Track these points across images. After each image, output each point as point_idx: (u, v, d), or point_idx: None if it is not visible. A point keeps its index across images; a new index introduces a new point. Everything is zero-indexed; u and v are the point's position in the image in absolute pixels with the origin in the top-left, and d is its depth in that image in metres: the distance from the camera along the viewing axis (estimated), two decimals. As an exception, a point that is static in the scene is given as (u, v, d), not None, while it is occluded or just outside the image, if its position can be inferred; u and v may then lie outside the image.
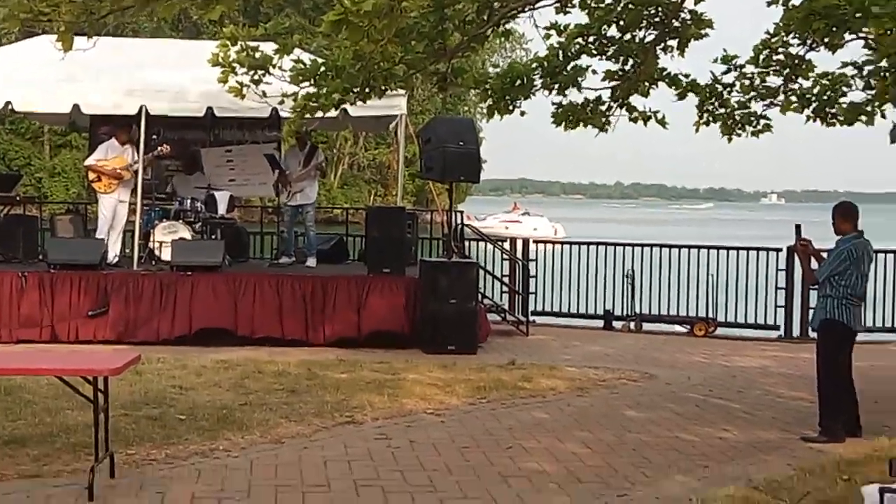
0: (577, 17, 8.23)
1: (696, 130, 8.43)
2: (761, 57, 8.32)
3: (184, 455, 6.85)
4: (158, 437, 7.19)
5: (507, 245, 15.23)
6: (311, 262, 13.32)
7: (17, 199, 13.88)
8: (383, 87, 8.13)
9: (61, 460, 6.56)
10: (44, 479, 6.17)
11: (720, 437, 7.80)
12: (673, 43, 7.96)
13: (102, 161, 12.81)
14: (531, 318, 14.26)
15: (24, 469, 6.35)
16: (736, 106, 8.39)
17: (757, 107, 8.38)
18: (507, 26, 8.27)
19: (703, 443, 7.59)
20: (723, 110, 8.38)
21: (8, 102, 12.44)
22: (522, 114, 8.36)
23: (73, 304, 11.61)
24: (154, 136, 12.98)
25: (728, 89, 8.50)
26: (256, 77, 8.06)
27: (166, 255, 12.39)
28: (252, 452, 6.98)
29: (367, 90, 8.06)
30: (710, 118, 8.38)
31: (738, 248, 14.69)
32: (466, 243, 14.96)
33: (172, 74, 13.02)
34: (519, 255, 14.91)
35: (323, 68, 8.02)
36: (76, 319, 11.60)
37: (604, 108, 8.24)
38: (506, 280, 14.73)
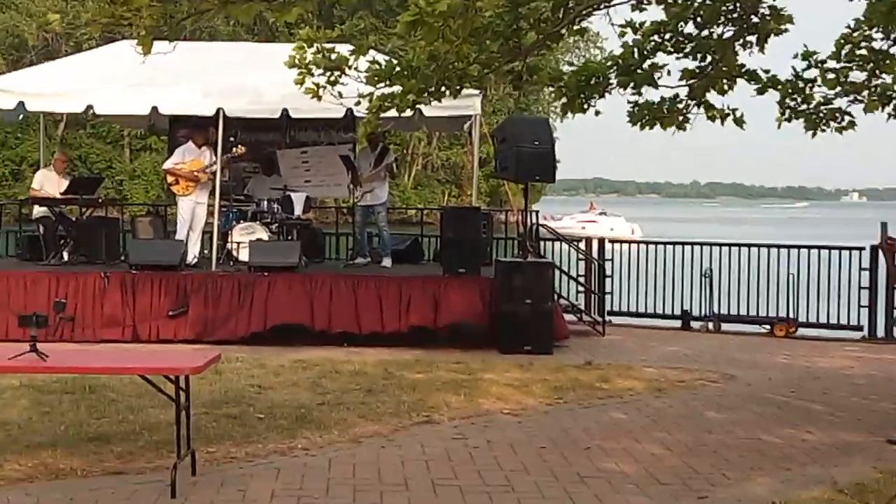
0: (654, 13, 8.14)
1: (779, 126, 8.26)
2: (843, 52, 8.13)
3: (263, 453, 6.93)
4: (238, 436, 7.27)
5: (582, 245, 15.14)
6: (387, 262, 13.38)
7: (100, 201, 14.19)
8: (458, 87, 8.11)
9: (144, 457, 6.67)
10: (127, 476, 6.28)
11: (803, 438, 7.64)
12: (752, 39, 7.81)
13: (180, 164, 13.05)
14: (607, 318, 14.15)
15: (109, 465, 6.48)
16: (820, 101, 8.20)
17: (841, 102, 8.19)
18: (583, 24, 8.18)
19: (785, 444, 7.44)
20: (806, 106, 8.20)
21: (90, 106, 12.72)
22: (597, 113, 8.29)
23: (153, 305, 11.84)
24: (231, 138, 13.16)
25: (810, 85, 8.32)
26: (333, 78, 8.10)
27: (244, 255, 12.56)
28: (330, 451, 7.02)
29: (441, 90, 8.06)
30: (793, 114, 8.22)
31: (819, 247, 14.38)
32: (542, 243, 14.91)
33: (249, 77, 13.21)
34: (595, 254, 14.81)
35: (398, 69, 8.04)
36: (156, 319, 11.82)
37: (681, 106, 8.12)
38: (581, 280, 14.64)
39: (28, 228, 14.81)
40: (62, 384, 8.68)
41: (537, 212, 15.52)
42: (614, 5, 7.56)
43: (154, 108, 12.77)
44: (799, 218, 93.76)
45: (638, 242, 17.16)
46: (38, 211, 13.36)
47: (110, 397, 8.34)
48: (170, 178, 13.19)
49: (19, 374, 8.28)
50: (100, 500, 5.78)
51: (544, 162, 11.82)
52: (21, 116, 14.06)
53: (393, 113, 8.21)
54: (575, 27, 8.04)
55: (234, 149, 13.04)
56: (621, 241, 17.27)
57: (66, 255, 12.94)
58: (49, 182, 13.36)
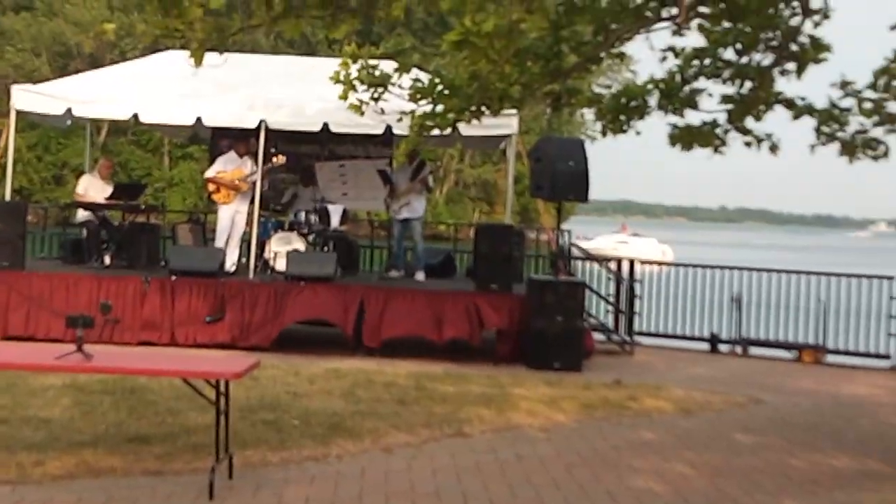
0: (694, 39, 8.26)
1: (812, 151, 8.34)
2: (881, 82, 8.21)
3: (298, 459, 7.07)
4: (274, 441, 7.42)
5: (612, 265, 15.23)
6: (420, 276, 13.53)
7: (142, 207, 14.43)
8: (498, 107, 8.25)
9: (182, 459, 6.83)
10: (166, 477, 6.43)
11: (830, 464, 7.69)
12: (791, 66, 7.91)
13: (222, 173, 13.27)
14: (636, 338, 14.23)
15: (148, 466, 6.63)
16: (857, 129, 8.27)
17: (877, 132, 8.26)
18: (622, 48, 8.30)
19: (812, 469, 7.51)
20: (842, 133, 8.27)
21: (135, 114, 12.98)
22: (638, 133, 8.42)
23: (191, 310, 12.03)
24: (272, 150, 13.36)
25: (845, 113, 8.39)
26: (376, 95, 8.28)
27: (281, 265, 12.75)
28: (363, 460, 7.15)
29: (482, 109, 8.20)
30: (828, 140, 8.29)
31: (848, 276, 14.41)
32: (572, 262, 15.02)
33: (291, 90, 13.44)
34: (625, 275, 14.89)
35: (440, 87, 8.19)
36: (194, 324, 12.02)
37: (718, 130, 8.22)
38: (611, 299, 14.72)
39: (71, 232, 15.11)
40: (103, 384, 8.88)
41: (569, 231, 15.62)
42: (655, 30, 7.66)
43: (198, 120, 13.01)
44: (825, 246, 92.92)
45: (668, 264, 17.21)
46: (81, 215, 13.61)
47: (150, 399, 8.53)
48: (211, 187, 13.39)
49: (63, 373, 8.51)
50: (139, 499, 5.93)
51: (579, 182, 11.94)
52: (68, 122, 14.35)
53: (435, 131, 8.35)
54: (614, 51, 8.16)
55: (274, 158, 13.25)
56: (652, 263, 17.32)
57: (107, 259, 13.17)
58: (93, 187, 13.61)
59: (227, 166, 13.29)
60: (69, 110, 12.90)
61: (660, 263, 17.96)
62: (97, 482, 6.25)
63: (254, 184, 12.99)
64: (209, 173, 13.58)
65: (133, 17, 48.34)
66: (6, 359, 6.89)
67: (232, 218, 13.23)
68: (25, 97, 12.96)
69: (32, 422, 7.62)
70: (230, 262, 13.11)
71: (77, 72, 24.26)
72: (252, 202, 13.00)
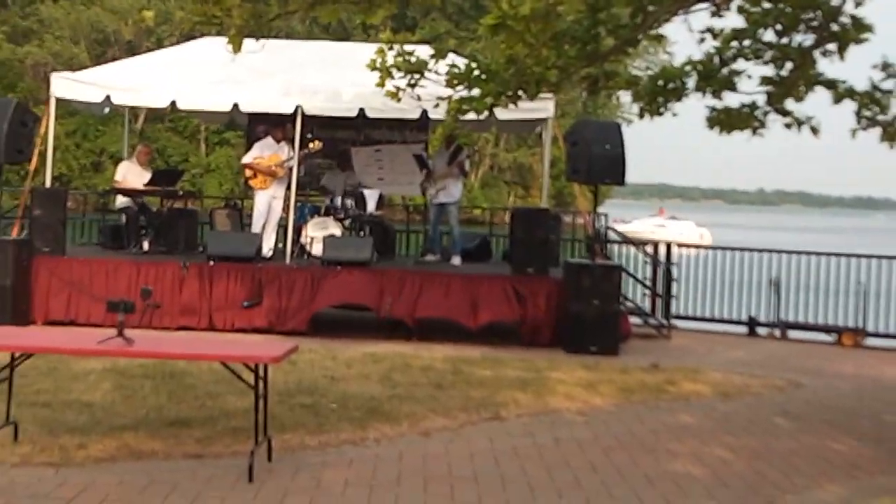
0: (734, 20, 8.16)
1: (853, 136, 8.22)
2: (922, 62, 8.09)
3: (336, 443, 7.11)
4: (312, 425, 7.47)
5: (649, 248, 15.16)
6: (456, 260, 13.53)
7: (180, 193, 14.54)
8: (535, 91, 8.20)
9: (222, 442, 6.89)
10: (206, 460, 6.50)
11: (871, 448, 7.64)
12: (832, 47, 7.80)
13: (259, 158, 13.33)
14: (673, 321, 14.16)
15: (188, 449, 6.70)
16: (897, 113, 8.16)
17: (918, 113, 8.14)
18: (660, 30, 8.23)
19: (852, 453, 7.45)
20: (883, 117, 8.16)
21: (173, 101, 13.06)
22: (674, 115, 8.35)
23: (229, 295, 12.12)
24: (308, 135, 13.40)
25: (886, 95, 8.27)
26: (413, 81, 8.26)
27: (317, 250, 12.80)
28: (401, 443, 7.18)
29: (518, 94, 8.16)
30: (869, 124, 8.18)
31: (889, 258, 14.25)
32: (609, 245, 14.96)
33: (326, 76, 13.47)
34: (662, 258, 14.81)
35: (476, 72, 8.16)
36: (232, 309, 12.11)
37: (758, 112, 8.13)
38: (648, 283, 14.66)
39: (110, 218, 15.25)
40: (143, 369, 8.98)
41: (605, 214, 15.55)
42: (693, 11, 7.58)
43: (235, 106, 13.07)
44: (865, 228, 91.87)
45: (706, 247, 17.10)
46: (120, 201, 13.74)
47: (189, 383, 8.62)
48: (248, 173, 13.46)
49: (104, 357, 8.61)
50: (179, 481, 6.00)
51: (615, 165, 11.87)
52: (107, 109, 14.47)
53: (471, 116, 8.33)
54: (652, 33, 8.08)
55: (311, 144, 13.29)
56: (690, 246, 17.23)
57: (146, 245, 13.30)
58: (132, 173, 13.73)
59: (265, 152, 13.36)
60: (108, 98, 13.01)
61: (697, 246, 17.81)
62: (139, 465, 6.32)
63: (290, 169, 13.04)
64: (246, 159, 13.65)
65: (170, 3, 48.67)
66: (48, 343, 6.99)
67: (269, 203, 13.31)
68: (65, 85, 13.08)
69: (75, 406, 7.72)
70: (267, 248, 13.20)
71: (115, 59, 24.47)
72: (289, 188, 13.05)
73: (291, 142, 13.03)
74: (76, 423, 7.20)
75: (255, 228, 13.26)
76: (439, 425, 7.75)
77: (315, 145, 13.31)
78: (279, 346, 6.83)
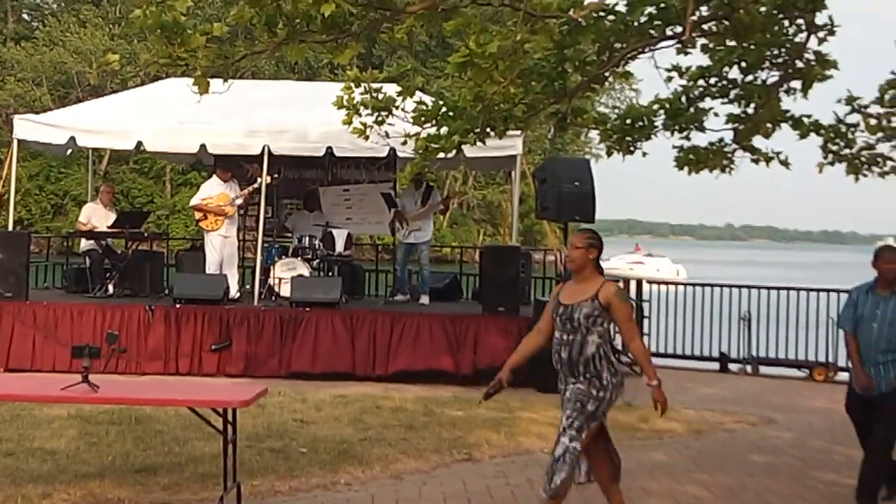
0: (698, 58, 8.20)
1: (820, 171, 8.26)
2: (886, 97, 8.16)
3: (306, 488, 7.00)
4: (282, 470, 7.35)
5: (620, 285, 15.12)
6: (425, 299, 13.45)
7: (145, 235, 14.39)
8: (503, 128, 8.19)
9: (190, 489, 6.77)
10: (174, 508, 6.38)
11: (846, 484, 7.58)
12: (796, 84, 7.86)
13: (207, 199, 13.21)
14: (644, 359, 14.08)
15: (155, 497, 6.58)
16: (862, 146, 8.22)
17: (883, 147, 8.20)
18: (626, 67, 8.25)
19: (827, 490, 7.43)
20: (848, 151, 8.22)
21: (139, 143, 12.94)
22: (644, 154, 8.36)
23: (196, 338, 11.96)
24: (276, 175, 13.33)
25: (852, 130, 8.33)
26: (380, 118, 8.23)
27: (285, 291, 12.68)
28: (373, 487, 7.09)
29: (487, 131, 8.14)
30: (836, 159, 8.23)
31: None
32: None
33: (293, 115, 13.44)
34: (633, 295, 14.79)
35: (444, 109, 8.14)
36: (200, 352, 11.94)
37: (726, 150, 8.17)
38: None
39: (74, 261, 15.05)
40: (109, 415, 8.82)
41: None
42: (659, 49, 7.60)
43: (202, 147, 12.98)
44: (831, 262, 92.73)
45: (676, 284, 17.11)
46: (84, 244, 13.58)
47: (156, 429, 8.47)
48: (198, 215, 13.30)
49: (68, 404, 8.44)
50: (147, 530, 5.88)
51: (585, 202, 11.86)
52: (69, 151, 14.33)
53: (440, 154, 8.30)
54: (619, 70, 8.10)
55: (267, 178, 13.13)
56: (667, 283, 17.24)
57: (111, 288, 13.14)
58: (96, 215, 13.58)
59: (213, 192, 13.25)
60: (72, 139, 12.90)
61: (667, 283, 17.81)
62: (104, 514, 6.18)
63: (240, 208, 12.93)
64: (194, 201, 13.49)
65: (135, 45, 48.57)
66: (11, 390, 6.82)
67: (221, 245, 13.15)
68: (28, 127, 12.97)
69: (38, 453, 7.56)
70: (233, 289, 13.04)
71: (79, 101, 24.37)
72: (255, 228, 12.93)
73: (240, 180, 13.05)
74: (40, 472, 7.05)
75: (210, 270, 13.08)
76: (411, 467, 7.66)
77: (271, 179, 13.16)
78: (248, 390, 6.70)
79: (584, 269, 5.88)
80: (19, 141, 13.01)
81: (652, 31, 7.32)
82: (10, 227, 13.26)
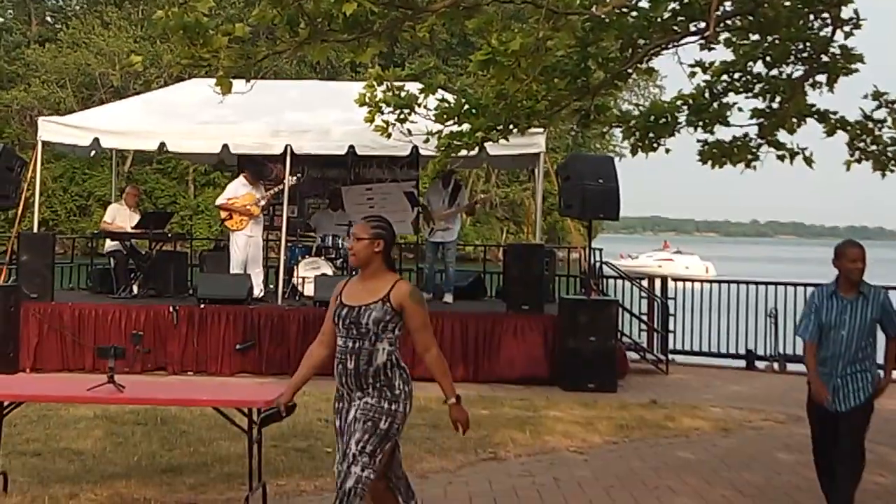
0: (723, 53, 8.14)
1: (848, 168, 8.18)
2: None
3: (331, 487, 6.90)
4: (307, 469, 7.35)
5: (645, 283, 15.06)
6: (448, 298, 13.43)
7: (169, 235, 14.44)
8: (525, 125, 8.15)
9: (216, 489, 6.77)
10: (200, 508, 6.37)
11: (875, 482, 7.52)
12: (822, 78, 7.77)
13: (233, 199, 13.24)
14: (670, 356, 14.03)
15: (181, 497, 6.58)
16: (889, 142, 8.12)
17: (910, 143, 8.10)
18: (650, 64, 8.19)
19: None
20: (874, 147, 8.12)
21: (162, 143, 12.98)
22: (667, 151, 8.29)
23: (221, 338, 11.99)
24: (300, 174, 13.35)
25: (879, 125, 8.23)
26: (402, 116, 8.20)
27: (309, 290, 12.69)
28: (398, 486, 7.05)
29: (509, 128, 8.11)
30: (862, 155, 8.13)
31: (886, 288, 14.11)
32: (604, 281, 14.87)
33: (315, 114, 13.45)
34: (658, 293, 14.72)
35: (466, 107, 8.11)
36: (224, 352, 11.97)
37: (751, 145, 8.09)
38: (645, 318, 14.55)
39: (98, 262, 15.12)
40: (134, 415, 8.84)
41: (601, 249, 15.47)
42: (683, 45, 7.54)
43: (225, 147, 13.01)
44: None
45: (702, 281, 17.00)
46: (109, 244, 13.64)
47: (181, 429, 8.48)
48: (223, 214, 13.35)
49: (94, 404, 8.47)
50: (173, 530, 5.89)
51: (609, 200, 11.81)
52: (93, 153, 14.40)
53: (461, 151, 8.27)
54: (642, 67, 8.05)
55: (295, 178, 13.18)
56: (692, 280, 17.14)
57: (135, 289, 13.19)
58: (121, 216, 13.64)
59: (238, 192, 13.28)
60: (96, 141, 12.95)
61: (693, 280, 17.63)
62: (131, 514, 6.19)
63: (265, 208, 12.95)
64: (220, 200, 13.55)
65: (158, 46, 48.76)
66: (38, 391, 6.87)
67: (245, 244, 13.18)
68: (52, 129, 13.04)
69: (65, 454, 7.59)
70: (257, 289, 13.06)
71: (102, 102, 24.52)
72: (279, 228, 12.95)
73: (265, 181, 13.03)
74: (67, 472, 7.07)
75: (234, 270, 13.11)
76: (437, 467, 7.64)
77: (295, 179, 13.21)
78: (273, 390, 6.68)
79: (369, 265, 5.21)
80: (44, 143, 13.08)
81: (675, 27, 7.26)
82: (36, 229, 13.34)
